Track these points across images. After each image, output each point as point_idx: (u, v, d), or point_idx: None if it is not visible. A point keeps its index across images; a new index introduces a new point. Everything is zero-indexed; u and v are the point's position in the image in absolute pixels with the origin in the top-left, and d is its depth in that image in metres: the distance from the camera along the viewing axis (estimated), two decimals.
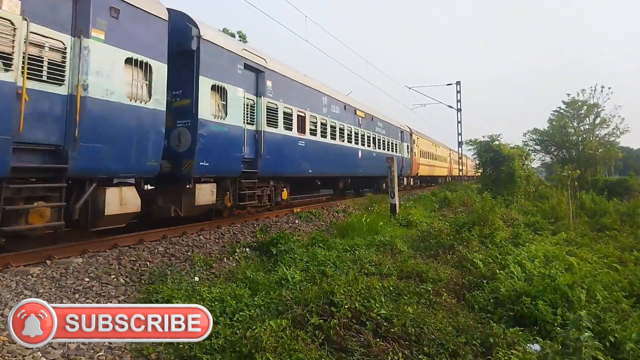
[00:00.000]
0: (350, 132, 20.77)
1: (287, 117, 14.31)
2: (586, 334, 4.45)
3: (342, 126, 19.51)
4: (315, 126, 16.65)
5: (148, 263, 7.68)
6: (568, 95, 44.54)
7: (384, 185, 25.55)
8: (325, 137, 17.55)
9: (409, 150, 32.36)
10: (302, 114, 15.54)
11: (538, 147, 46.88)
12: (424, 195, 26.20)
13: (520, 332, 5.61)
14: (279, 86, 13.72)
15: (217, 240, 9.94)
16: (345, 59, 35.66)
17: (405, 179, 31.31)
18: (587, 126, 44.08)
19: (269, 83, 13.20)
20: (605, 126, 43.21)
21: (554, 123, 44.66)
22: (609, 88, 43.12)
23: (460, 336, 5.39)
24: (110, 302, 5.85)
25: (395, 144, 28.79)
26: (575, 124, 44.46)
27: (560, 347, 4.57)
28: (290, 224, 13.15)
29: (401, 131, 30.49)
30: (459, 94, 38.77)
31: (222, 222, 11.72)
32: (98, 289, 6.23)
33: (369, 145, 23.28)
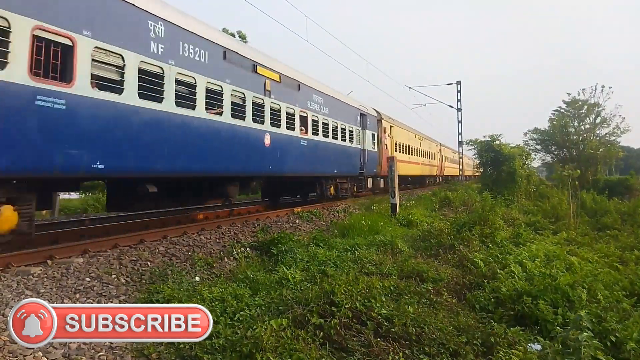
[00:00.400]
0: (243, 102, 11.85)
1: None
2: (585, 333, 4.45)
3: (217, 88, 10.72)
4: (122, 75, 8.12)
5: (149, 263, 7.67)
6: (569, 94, 44.60)
7: (331, 189, 18.78)
8: (159, 100, 8.86)
9: (376, 140, 23.76)
10: (59, 39, 6.98)
11: (539, 147, 46.91)
12: (424, 196, 26.17)
13: (521, 332, 5.61)
14: None
15: (217, 240, 9.93)
16: (345, 59, 35.64)
17: (370, 179, 22.75)
18: (587, 125, 44.13)
19: None
20: (605, 125, 43.29)
21: (554, 122, 44.70)
22: (610, 87, 43.17)
23: (461, 336, 5.39)
24: (111, 301, 5.86)
25: (351, 131, 19.90)
26: (575, 124, 44.50)
27: (560, 346, 4.57)
28: (291, 224, 13.13)
29: (361, 114, 21.56)
30: (459, 94, 38.79)
31: (222, 222, 11.70)
32: (99, 289, 6.22)
33: (291, 128, 14.32)
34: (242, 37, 30.83)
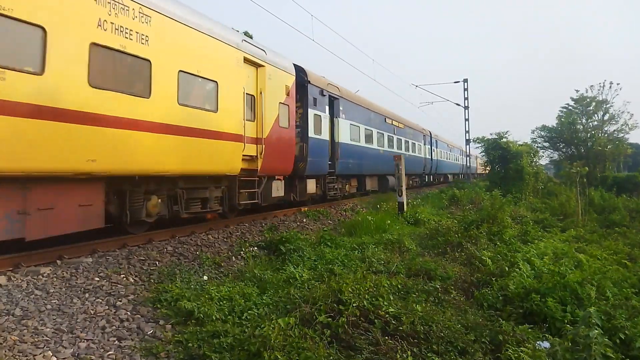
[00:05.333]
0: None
1: None
2: (596, 331, 4.43)
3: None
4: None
5: (157, 262, 7.71)
6: (577, 91, 44.34)
7: None
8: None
9: None
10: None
11: (546, 144, 46.62)
12: (431, 194, 26.09)
13: (529, 330, 5.60)
14: None
15: (225, 240, 9.96)
16: (351, 58, 35.53)
17: None
18: (595, 122, 43.79)
19: None
20: (614, 122, 42.92)
21: (562, 120, 44.39)
22: (618, 84, 42.86)
23: (469, 334, 5.37)
24: (120, 301, 5.89)
25: None
26: (583, 121, 44.16)
27: (570, 344, 4.55)
28: (298, 223, 13.16)
29: None
30: (466, 92, 38.66)
31: (230, 221, 11.73)
32: (108, 288, 6.26)
33: None
34: (250, 37, 30.88)
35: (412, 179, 32.45)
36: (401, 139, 28.25)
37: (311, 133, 15.37)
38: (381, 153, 23.63)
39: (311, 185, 15.86)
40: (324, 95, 16.71)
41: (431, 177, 39.84)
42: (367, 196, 21.92)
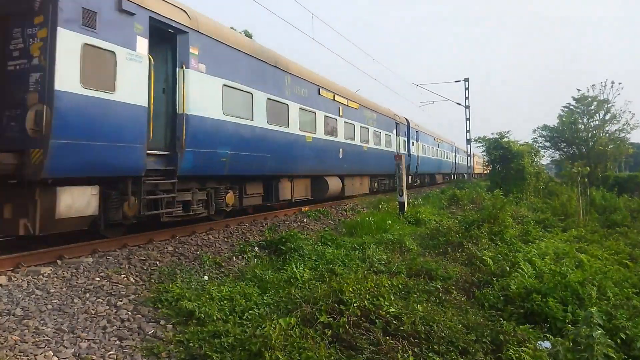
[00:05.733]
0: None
1: None
2: (598, 331, 4.43)
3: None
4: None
5: (158, 262, 7.71)
6: (578, 90, 44.27)
7: None
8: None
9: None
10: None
11: (548, 144, 46.55)
12: (432, 194, 26.06)
13: (530, 330, 5.60)
14: None
15: (225, 240, 9.95)
16: (352, 57, 35.47)
17: None
18: (597, 122, 43.69)
19: None
20: (615, 122, 42.78)
21: (563, 119, 44.32)
22: (619, 83, 42.81)
23: (470, 334, 5.38)
24: (121, 301, 5.89)
25: None
26: (585, 120, 44.06)
27: (571, 344, 4.55)
28: (299, 223, 13.14)
29: None
30: (467, 91, 38.63)
31: (230, 221, 11.71)
32: (108, 288, 6.26)
33: None
34: (249, 36, 30.81)
35: (380, 181, 24.38)
36: (353, 124, 19.35)
37: (69, 85, 6.91)
38: (309, 142, 15.25)
39: (74, 199, 7.19)
40: (131, 15, 8.03)
41: (410, 178, 28.94)
42: (295, 206, 15.50)
